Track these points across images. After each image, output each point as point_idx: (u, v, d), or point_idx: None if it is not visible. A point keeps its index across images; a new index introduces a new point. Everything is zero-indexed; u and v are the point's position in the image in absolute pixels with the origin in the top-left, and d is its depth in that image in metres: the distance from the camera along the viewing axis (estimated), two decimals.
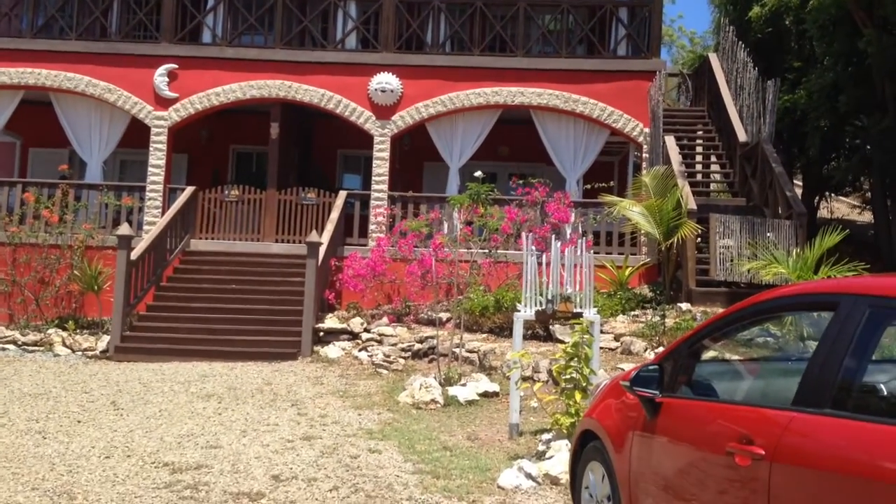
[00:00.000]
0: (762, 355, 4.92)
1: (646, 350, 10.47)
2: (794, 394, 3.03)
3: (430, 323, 12.35)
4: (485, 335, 12.34)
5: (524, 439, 7.58)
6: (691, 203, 13.03)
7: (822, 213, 22.02)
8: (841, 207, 24.85)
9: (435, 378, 9.86)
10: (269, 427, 8.05)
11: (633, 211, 13.45)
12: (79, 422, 8.18)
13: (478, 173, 11.09)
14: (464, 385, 9.58)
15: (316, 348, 12.70)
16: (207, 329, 12.99)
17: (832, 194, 21.94)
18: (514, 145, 18.43)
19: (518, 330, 7.75)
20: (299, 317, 12.95)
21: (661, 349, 10.34)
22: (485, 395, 9.38)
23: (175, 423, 8.16)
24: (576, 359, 7.18)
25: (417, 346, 12.03)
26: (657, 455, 3.79)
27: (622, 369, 9.70)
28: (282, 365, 11.94)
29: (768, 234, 12.47)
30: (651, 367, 3.89)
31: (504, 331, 12.20)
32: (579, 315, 7.72)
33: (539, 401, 7.51)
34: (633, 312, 12.42)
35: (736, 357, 4.56)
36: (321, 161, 19.45)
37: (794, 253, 11.32)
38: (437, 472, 6.55)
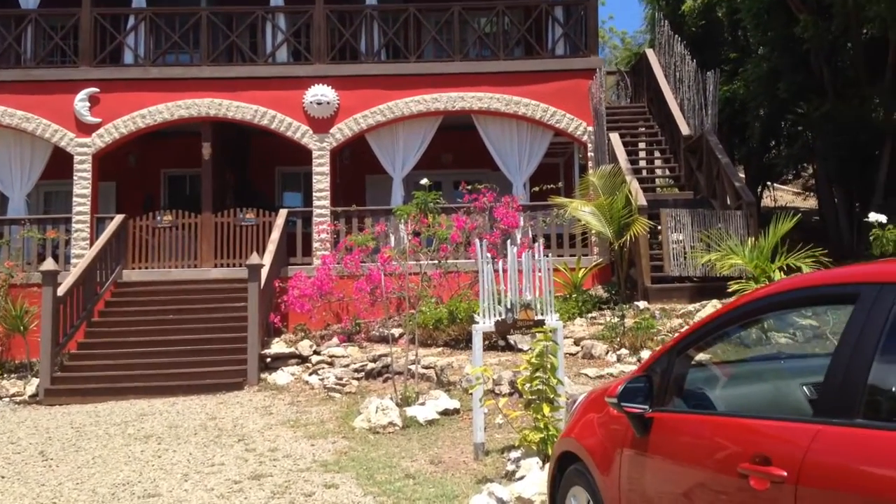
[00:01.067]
0: (762, 357, 4.44)
1: (607, 353, 10.09)
2: (816, 402, 2.60)
3: (383, 340, 11.80)
4: (440, 349, 11.84)
5: (491, 459, 7.09)
6: (641, 199, 12.77)
7: (766, 201, 22.12)
8: (783, 195, 25.05)
9: (391, 399, 9.32)
10: (214, 468, 7.40)
11: (584, 211, 13.16)
12: (2, 477, 7.42)
13: (423, 181, 10.61)
14: (422, 404, 9.05)
15: (263, 375, 12.04)
16: (145, 364, 12.22)
17: (773, 183, 22.05)
18: (457, 152, 18.02)
19: (477, 343, 7.28)
20: (244, 343, 12.27)
21: (623, 351, 9.97)
22: (445, 413, 8.87)
23: (110, 470, 7.45)
24: (541, 369, 6.72)
25: (371, 365, 11.46)
26: (652, 478, 3.33)
27: (587, 375, 9.29)
28: (227, 396, 11.26)
29: (719, 226, 12.25)
30: (638, 379, 3.45)
31: (460, 343, 11.72)
32: (541, 322, 7.27)
33: (505, 417, 7.04)
34: (590, 315, 12.06)
35: (734, 361, 4.11)
36: (259, 180, 18.76)
37: (748, 242, 11.09)
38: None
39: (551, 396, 6.68)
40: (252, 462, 7.57)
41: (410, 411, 8.83)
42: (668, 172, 16.49)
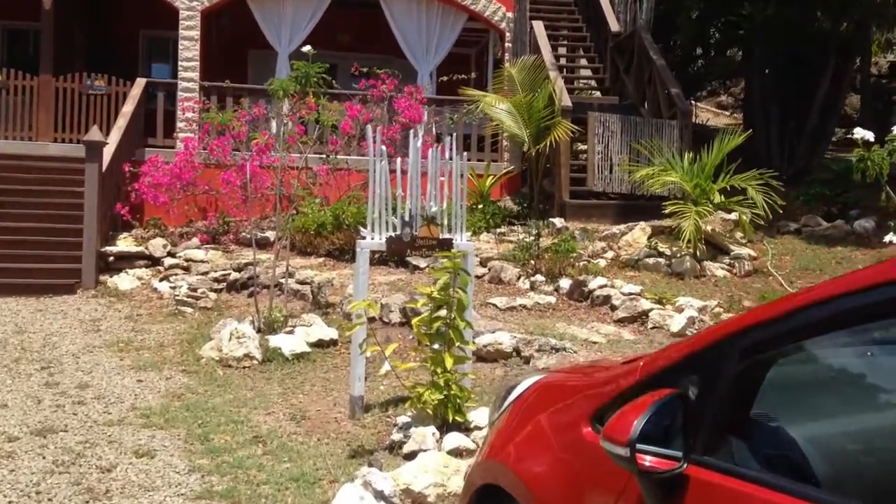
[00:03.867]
0: None
1: (519, 278, 8.50)
2: None
3: (256, 244, 9.76)
4: (321, 259, 9.98)
5: (372, 418, 5.39)
6: (566, 100, 11.04)
7: None
8: (700, 114, 23.92)
9: (252, 323, 7.45)
10: None
11: (499, 109, 11.36)
12: None
13: (307, 48, 8.43)
14: (291, 332, 7.23)
15: (103, 278, 9.91)
16: None
17: (694, 101, 20.77)
18: (357, 33, 15.67)
19: (362, 266, 5.45)
20: (80, 237, 10.03)
21: (539, 277, 8.36)
22: (319, 344, 7.09)
23: None
24: (445, 307, 4.99)
25: (235, 274, 9.51)
26: None
27: (495, 306, 7.66)
28: (52, 301, 9.12)
29: (650, 137, 10.71)
30: (666, 404, 1.74)
31: (345, 254, 9.87)
32: (448, 244, 5.50)
33: (393, 369, 5.34)
34: (498, 230, 10.41)
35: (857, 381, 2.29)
36: (121, 44, 15.87)
37: (686, 157, 9.60)
38: (234, 494, 4.24)
39: (457, 344, 4.99)
40: (46, 405, 5.61)
41: (275, 340, 7.00)
42: (592, 74, 14.79)
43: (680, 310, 7.03)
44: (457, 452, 4.61)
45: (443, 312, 5.00)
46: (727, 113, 21.67)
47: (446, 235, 5.63)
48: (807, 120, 12.93)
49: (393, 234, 5.46)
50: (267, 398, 5.93)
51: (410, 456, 4.60)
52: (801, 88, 13.12)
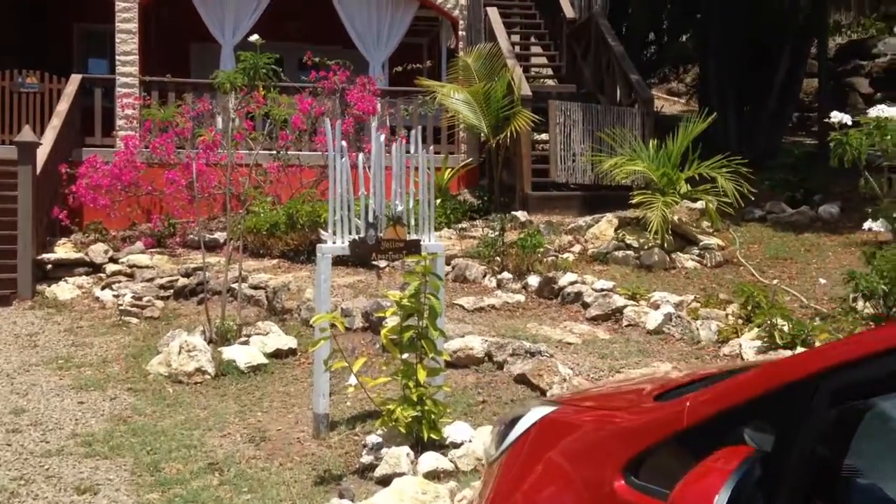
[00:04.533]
0: None
1: (485, 276, 8.13)
2: None
3: (205, 247, 9.21)
4: (275, 261, 9.48)
5: (338, 437, 4.97)
6: (525, 88, 10.70)
7: None
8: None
9: (203, 333, 6.96)
10: None
11: (456, 99, 10.98)
12: None
13: (254, 37, 7.91)
14: (246, 342, 6.76)
15: (41, 287, 9.29)
16: None
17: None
18: (306, 22, 15.05)
19: (324, 272, 5.02)
20: (14, 245, 9.38)
21: (506, 275, 7.99)
22: (277, 354, 6.62)
23: None
24: (415, 315, 4.60)
25: (183, 280, 8.97)
26: None
27: (461, 307, 7.27)
28: None
29: (612, 126, 10.43)
30: (747, 466, 1.38)
31: (300, 255, 9.40)
32: (416, 245, 5.10)
33: (361, 385, 4.91)
34: (459, 225, 10.02)
35: None
36: (57, 40, 15.06)
37: (651, 146, 9.34)
38: None
39: (431, 355, 4.60)
40: None
41: (228, 352, 6.52)
42: (547, 62, 14.49)
43: (655, 305, 6.74)
44: (434, 475, 4.23)
45: (413, 321, 4.61)
46: (679, 100, 21.57)
47: (413, 236, 5.22)
48: (765, 104, 12.79)
49: (357, 237, 5.04)
50: (222, 418, 5.47)
51: (384, 481, 4.21)
52: (757, 72, 12.98)
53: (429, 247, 5.12)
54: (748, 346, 5.67)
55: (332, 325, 4.70)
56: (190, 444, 4.97)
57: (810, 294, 7.12)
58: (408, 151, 5.45)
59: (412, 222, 5.27)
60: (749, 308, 6.10)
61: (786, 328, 5.47)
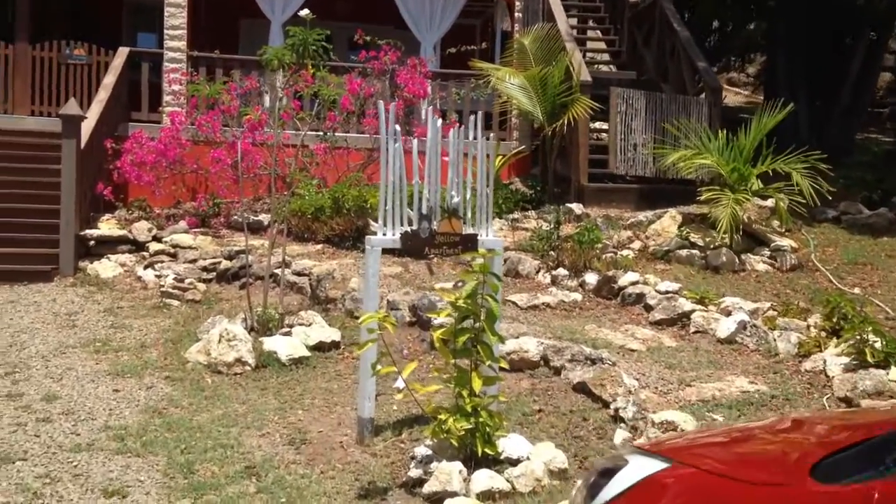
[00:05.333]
0: None
1: (538, 271, 7.70)
2: None
3: (249, 229, 8.93)
4: (319, 246, 9.16)
5: (384, 444, 4.62)
6: (585, 74, 10.19)
7: None
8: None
9: (244, 321, 6.67)
10: None
11: (511, 84, 10.51)
12: None
13: (304, 12, 7.53)
14: (288, 332, 6.45)
15: (83, 264, 9.11)
16: None
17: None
18: (357, 1, 14.71)
19: (372, 267, 4.67)
20: (58, 219, 9.21)
21: (561, 271, 7.54)
22: (319, 347, 6.30)
23: None
24: (472, 317, 4.22)
25: (226, 263, 8.71)
26: None
27: (514, 304, 6.86)
28: (26, 290, 8.34)
29: (677, 116, 9.89)
30: None
31: (345, 241, 9.07)
32: (473, 240, 4.71)
33: (412, 392, 4.56)
34: (511, 216, 9.58)
35: None
36: (106, 13, 14.91)
37: (720, 138, 8.79)
38: None
39: (486, 362, 4.22)
40: (6, 422, 4.85)
41: (269, 343, 6.22)
42: (604, 46, 13.94)
43: (727, 312, 6.26)
44: (489, 495, 3.88)
45: (469, 324, 4.23)
46: (741, 91, 20.77)
47: (469, 230, 4.83)
48: (838, 98, 12.10)
49: (409, 230, 4.67)
50: (261, 414, 5.16)
51: (433, 498, 3.86)
52: (830, 63, 12.28)
53: (486, 242, 4.73)
54: (833, 362, 5.18)
55: (381, 326, 4.34)
56: (227, 443, 4.67)
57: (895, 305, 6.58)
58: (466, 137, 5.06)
59: (468, 215, 4.88)
60: (834, 320, 5.60)
61: (878, 345, 4.98)
